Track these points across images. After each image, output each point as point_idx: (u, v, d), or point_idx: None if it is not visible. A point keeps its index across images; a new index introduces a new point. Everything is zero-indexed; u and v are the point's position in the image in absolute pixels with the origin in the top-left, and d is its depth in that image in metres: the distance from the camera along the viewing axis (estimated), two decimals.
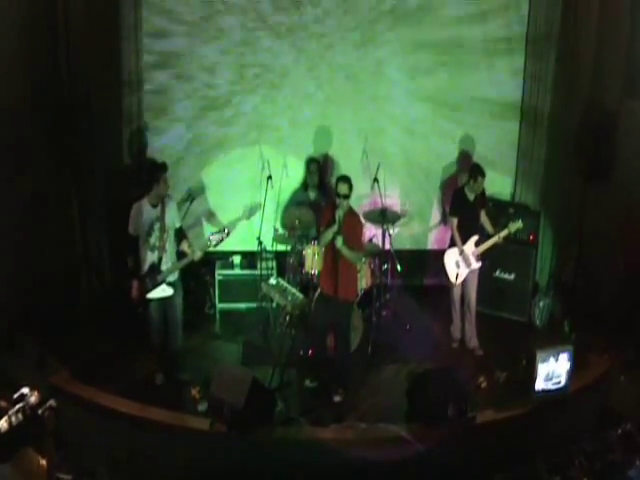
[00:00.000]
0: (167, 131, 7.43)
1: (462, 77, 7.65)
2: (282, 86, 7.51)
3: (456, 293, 6.75)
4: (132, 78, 7.04)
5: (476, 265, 6.60)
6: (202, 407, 5.65)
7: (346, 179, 5.74)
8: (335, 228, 5.63)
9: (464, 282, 6.66)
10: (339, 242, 5.61)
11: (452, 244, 6.70)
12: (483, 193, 6.68)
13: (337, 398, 5.92)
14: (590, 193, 7.26)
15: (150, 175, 5.74)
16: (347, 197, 5.70)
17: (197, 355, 6.49)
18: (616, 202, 6.99)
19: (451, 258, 6.66)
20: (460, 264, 6.60)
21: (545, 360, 5.64)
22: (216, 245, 5.72)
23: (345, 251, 5.65)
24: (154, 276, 5.75)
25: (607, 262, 7.18)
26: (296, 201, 7.40)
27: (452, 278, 6.64)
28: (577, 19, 7.10)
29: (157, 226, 5.72)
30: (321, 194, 7.30)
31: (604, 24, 6.95)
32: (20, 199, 6.39)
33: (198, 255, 5.73)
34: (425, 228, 8.08)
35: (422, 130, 7.79)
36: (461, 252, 6.56)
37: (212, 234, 5.70)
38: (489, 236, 6.58)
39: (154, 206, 5.75)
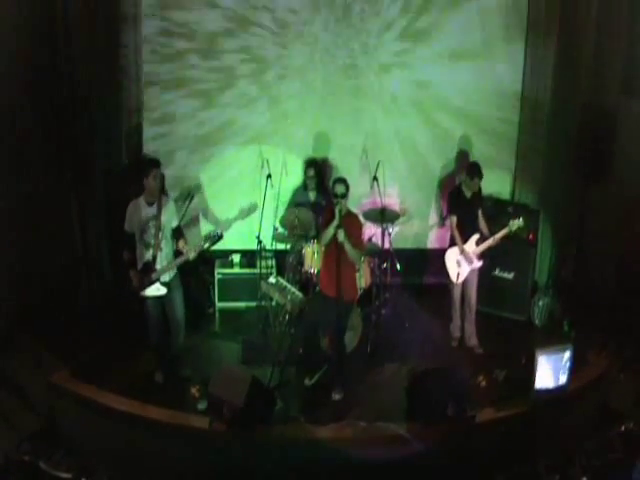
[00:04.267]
0: (167, 129, 7.42)
1: (461, 77, 7.66)
2: (282, 84, 7.50)
3: (456, 292, 6.73)
4: (131, 75, 7.02)
5: (477, 264, 6.58)
6: (201, 406, 5.65)
7: (342, 180, 5.79)
8: (335, 223, 5.63)
9: (464, 281, 6.66)
10: (341, 235, 5.60)
11: (453, 243, 6.68)
12: (479, 192, 6.66)
13: (336, 397, 5.93)
14: (589, 192, 7.26)
15: (140, 171, 5.73)
16: (344, 196, 5.71)
17: (196, 354, 6.48)
18: (615, 200, 7.00)
19: (452, 257, 6.64)
20: (461, 263, 6.57)
21: (544, 359, 5.65)
22: (209, 247, 5.74)
23: (347, 246, 5.65)
24: (148, 274, 5.74)
25: (606, 261, 7.19)
26: (296, 201, 7.39)
27: (453, 277, 6.62)
28: (576, 18, 7.10)
29: (152, 224, 5.69)
30: (321, 195, 7.30)
31: (603, 23, 6.96)
32: (20, 198, 6.39)
33: (192, 255, 5.69)
34: (424, 227, 8.08)
35: (421, 128, 7.79)
36: (462, 251, 6.54)
37: (205, 238, 5.71)
38: (489, 234, 6.56)
39: (150, 204, 5.72)
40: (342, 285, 5.74)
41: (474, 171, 6.47)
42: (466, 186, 6.57)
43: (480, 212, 6.67)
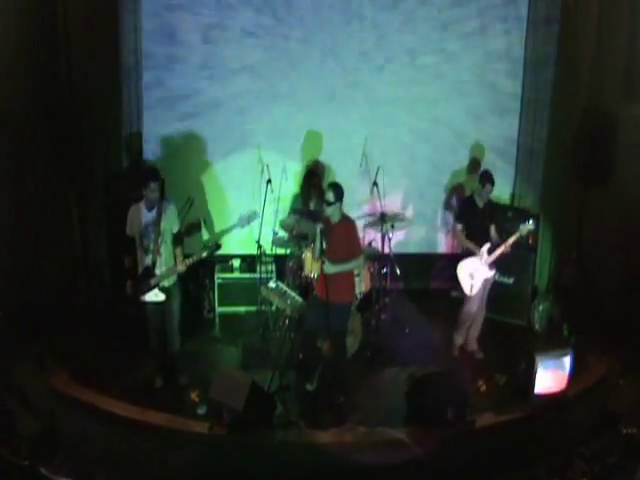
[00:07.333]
0: (167, 133, 7.44)
1: (462, 81, 7.70)
2: (282, 88, 7.53)
3: (473, 304, 6.50)
4: (131, 78, 7.05)
5: (489, 274, 6.43)
6: (201, 410, 5.64)
7: (332, 186, 5.69)
8: (317, 252, 5.63)
9: (482, 291, 6.51)
10: (328, 269, 5.58)
11: (465, 255, 6.51)
12: (492, 203, 6.51)
13: (336, 401, 5.89)
14: (589, 196, 7.27)
15: (139, 180, 5.75)
16: (334, 204, 5.63)
17: (196, 358, 6.48)
18: (615, 205, 7.01)
19: (465, 269, 6.45)
20: (474, 275, 6.40)
21: (544, 363, 5.64)
22: (207, 257, 5.75)
23: (340, 268, 5.63)
24: (147, 279, 5.74)
25: (606, 265, 7.19)
26: (296, 208, 7.40)
27: (466, 289, 6.45)
28: (577, 22, 7.12)
29: (151, 229, 5.70)
30: (320, 200, 7.29)
31: (603, 26, 6.98)
32: (20, 200, 6.40)
33: (181, 269, 5.71)
34: (427, 232, 8.08)
35: (423, 133, 7.83)
36: (480, 256, 6.36)
37: (203, 247, 5.74)
38: (499, 243, 6.38)
39: (150, 209, 5.73)
40: (337, 286, 5.66)
41: (485, 178, 6.35)
42: (478, 195, 6.45)
43: (493, 225, 6.49)
